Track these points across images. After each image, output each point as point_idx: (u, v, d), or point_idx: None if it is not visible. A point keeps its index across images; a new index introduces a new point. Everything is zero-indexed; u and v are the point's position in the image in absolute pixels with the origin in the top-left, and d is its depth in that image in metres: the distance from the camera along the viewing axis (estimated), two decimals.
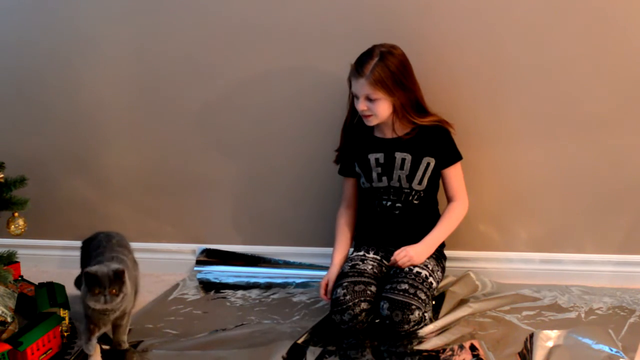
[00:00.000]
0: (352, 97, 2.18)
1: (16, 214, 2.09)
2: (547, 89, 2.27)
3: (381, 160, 2.20)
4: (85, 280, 1.88)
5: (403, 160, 2.18)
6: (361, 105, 2.12)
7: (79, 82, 2.54)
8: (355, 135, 2.25)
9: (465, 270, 2.38)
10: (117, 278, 1.89)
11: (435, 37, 2.26)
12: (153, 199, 2.63)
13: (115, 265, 1.93)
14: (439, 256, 2.24)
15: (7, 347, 1.88)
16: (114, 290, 1.88)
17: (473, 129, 2.31)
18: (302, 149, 2.45)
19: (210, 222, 2.62)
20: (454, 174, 2.22)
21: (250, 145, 2.51)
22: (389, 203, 2.21)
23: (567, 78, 2.25)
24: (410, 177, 2.19)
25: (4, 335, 1.97)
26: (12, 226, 2.09)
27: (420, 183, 2.19)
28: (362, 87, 2.10)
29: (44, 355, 1.96)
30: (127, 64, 2.50)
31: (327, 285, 2.17)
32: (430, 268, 2.15)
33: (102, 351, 2.02)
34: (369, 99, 2.11)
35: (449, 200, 2.24)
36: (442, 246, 2.27)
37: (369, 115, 2.14)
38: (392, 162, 2.19)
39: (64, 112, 2.58)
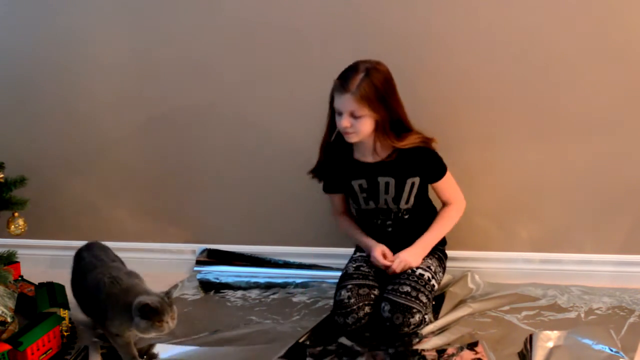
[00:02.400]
0: (332, 113, 2.11)
1: (16, 214, 2.09)
2: (547, 90, 2.26)
3: (364, 186, 2.16)
4: (142, 313, 1.83)
5: (387, 184, 2.14)
6: (344, 122, 2.02)
7: (79, 82, 2.54)
8: (335, 157, 2.18)
9: (464, 271, 2.38)
10: (171, 301, 1.88)
11: (435, 37, 2.26)
12: (153, 199, 2.63)
13: (160, 291, 1.89)
14: (441, 257, 2.23)
15: (7, 347, 1.88)
16: (173, 315, 1.86)
17: (473, 129, 2.31)
18: (302, 149, 2.44)
19: (210, 222, 2.62)
20: (445, 184, 2.18)
21: (250, 145, 2.50)
22: (379, 221, 2.20)
23: (567, 78, 2.25)
24: (397, 199, 2.15)
25: (4, 335, 1.97)
26: (12, 226, 2.09)
27: (407, 202, 2.16)
28: (347, 102, 2.01)
29: (44, 355, 1.96)
30: (126, 64, 2.50)
31: (384, 254, 2.13)
32: (433, 270, 2.14)
33: (102, 353, 2.02)
34: (353, 116, 2.02)
35: (445, 204, 2.22)
36: (444, 245, 2.28)
37: (351, 133, 2.05)
38: (375, 187, 2.15)
39: (64, 112, 2.58)
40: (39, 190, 2.41)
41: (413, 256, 2.12)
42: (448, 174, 2.18)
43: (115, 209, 2.65)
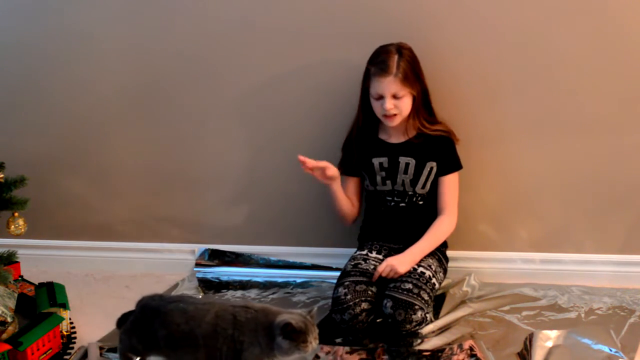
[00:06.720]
0: (362, 100, 2.17)
1: (16, 214, 2.09)
2: (547, 90, 2.26)
3: (385, 165, 2.20)
4: (285, 334, 1.67)
5: (407, 164, 2.18)
6: (388, 105, 2.08)
7: (79, 82, 2.54)
8: (361, 137, 2.24)
9: (465, 272, 2.37)
10: (314, 320, 1.72)
11: (436, 38, 2.26)
12: (153, 198, 2.63)
13: (302, 310, 1.75)
14: (441, 258, 2.24)
15: (7, 347, 1.88)
16: (315, 335, 1.71)
17: (473, 130, 2.31)
18: (303, 150, 2.44)
19: (210, 222, 2.62)
20: (450, 184, 2.21)
21: (251, 146, 2.50)
22: (392, 203, 2.22)
23: (567, 79, 2.25)
24: (414, 182, 2.19)
25: (4, 335, 1.97)
26: (12, 226, 2.09)
27: (423, 187, 2.20)
28: (390, 85, 2.07)
29: (44, 355, 1.96)
30: (126, 64, 2.50)
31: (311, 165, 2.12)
32: (434, 269, 2.15)
33: (101, 354, 2.03)
34: (395, 97, 2.09)
35: (439, 212, 2.22)
36: (445, 248, 2.28)
37: (394, 115, 2.11)
38: (396, 166, 2.19)
39: (64, 113, 2.58)
40: (39, 190, 2.42)
41: (401, 263, 2.11)
42: (457, 176, 2.21)
43: (115, 209, 2.65)
